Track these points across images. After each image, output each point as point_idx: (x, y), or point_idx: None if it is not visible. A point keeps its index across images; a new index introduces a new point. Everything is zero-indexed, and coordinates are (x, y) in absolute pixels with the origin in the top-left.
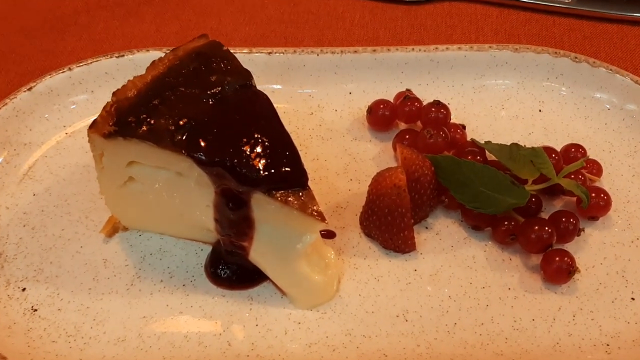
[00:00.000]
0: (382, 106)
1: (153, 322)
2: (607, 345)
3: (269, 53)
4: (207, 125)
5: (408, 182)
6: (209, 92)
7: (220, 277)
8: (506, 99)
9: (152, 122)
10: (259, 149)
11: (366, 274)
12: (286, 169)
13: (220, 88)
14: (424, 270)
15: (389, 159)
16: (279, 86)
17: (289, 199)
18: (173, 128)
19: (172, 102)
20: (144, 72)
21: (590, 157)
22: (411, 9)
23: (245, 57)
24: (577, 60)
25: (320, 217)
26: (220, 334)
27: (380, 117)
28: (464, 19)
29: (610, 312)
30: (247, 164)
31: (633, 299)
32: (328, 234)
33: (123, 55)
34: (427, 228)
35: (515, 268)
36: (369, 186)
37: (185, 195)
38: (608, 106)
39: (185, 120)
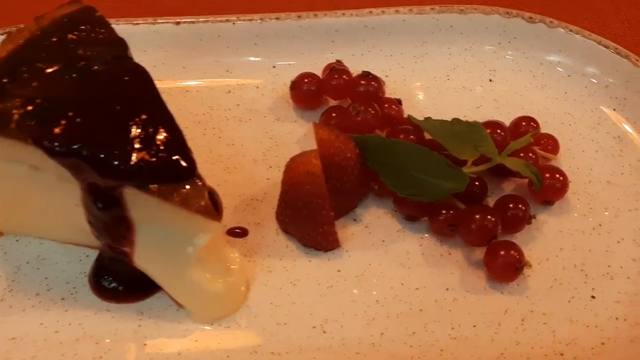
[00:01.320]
0: (306, 80)
1: (23, 345)
2: (562, 355)
3: (177, 23)
4: (66, 106)
5: (327, 168)
6: (72, 67)
7: (105, 288)
8: (452, 68)
9: None
10: (130, 133)
11: (281, 277)
12: (166, 156)
13: (87, 62)
14: (349, 271)
15: (315, 141)
16: (191, 61)
17: (170, 193)
18: (21, 112)
19: (24, 81)
20: None
21: (547, 131)
22: None
23: (149, 29)
24: (532, 20)
25: (208, 213)
26: (100, 358)
27: (305, 92)
28: None
29: (567, 313)
30: (112, 152)
31: (594, 297)
32: (239, 232)
33: None
34: (355, 220)
35: (456, 264)
36: (282, 174)
37: (48, 194)
38: (568, 73)
39: (38, 101)
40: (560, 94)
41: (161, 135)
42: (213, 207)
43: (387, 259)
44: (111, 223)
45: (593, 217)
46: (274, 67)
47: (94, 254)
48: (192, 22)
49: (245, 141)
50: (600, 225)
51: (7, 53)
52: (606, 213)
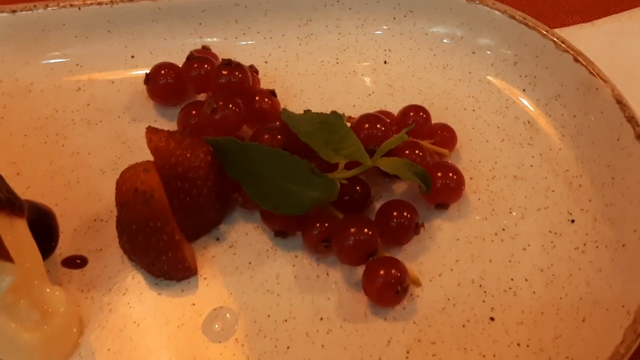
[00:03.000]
0: (163, 72)
1: None
2: None
3: (13, 12)
4: None
5: (169, 181)
6: None
7: None
8: (342, 50)
9: None
10: None
11: (122, 317)
12: None
13: None
14: (204, 304)
15: None
16: (33, 55)
17: None
18: None
19: None
20: None
21: (447, 119)
22: None
23: None
24: None
25: (3, 255)
26: None
27: (163, 86)
28: None
29: (460, 341)
30: None
31: (492, 319)
32: (78, 262)
33: None
34: (218, 240)
35: (333, 287)
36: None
37: None
38: (473, 49)
39: None
40: (464, 75)
41: None
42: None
43: (252, 285)
44: None
45: (495, 220)
46: (132, 57)
47: None
48: (31, 10)
49: (93, 149)
50: (503, 229)
51: None
52: (512, 214)
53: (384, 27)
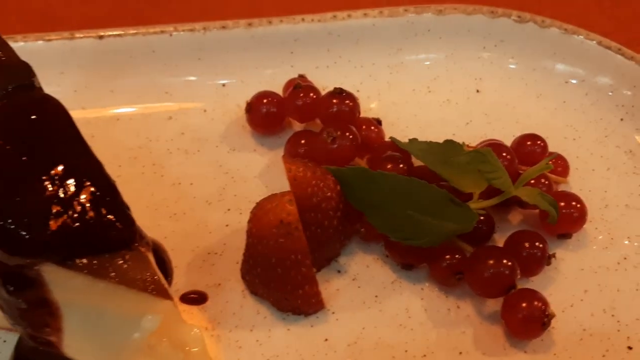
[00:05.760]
0: (265, 101)
1: None
2: None
3: (100, 37)
4: None
5: (303, 213)
6: None
7: None
8: (432, 78)
9: None
10: (42, 192)
11: (254, 354)
12: (94, 219)
13: None
14: (338, 339)
15: (282, 175)
16: (120, 82)
17: (104, 268)
18: None
19: None
20: None
21: (550, 149)
22: None
23: (66, 46)
24: (520, 20)
25: (158, 291)
26: None
27: (265, 115)
28: None
29: None
30: (19, 220)
31: (630, 347)
32: (196, 298)
33: None
34: (339, 272)
35: (467, 320)
36: (247, 223)
37: None
38: (565, 79)
39: None
40: (559, 104)
41: (85, 191)
42: (164, 280)
43: (383, 319)
44: (29, 309)
45: (616, 250)
46: (223, 85)
47: (12, 339)
48: (120, 36)
49: (195, 179)
50: (625, 258)
51: None
52: (630, 243)
53: (474, 56)
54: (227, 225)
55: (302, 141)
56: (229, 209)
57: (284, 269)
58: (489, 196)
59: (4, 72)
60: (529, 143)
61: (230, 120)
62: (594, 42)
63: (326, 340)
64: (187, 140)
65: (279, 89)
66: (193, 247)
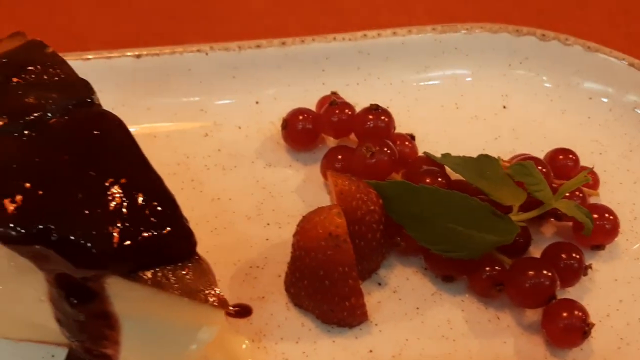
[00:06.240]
0: (301, 117)
1: None
2: None
3: (137, 56)
4: (18, 174)
5: (349, 224)
6: (21, 121)
7: None
8: (460, 94)
9: None
10: (108, 205)
11: None
12: (158, 232)
13: (40, 112)
14: (382, 350)
15: (318, 190)
16: (156, 100)
17: (167, 279)
18: None
19: None
20: None
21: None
22: None
23: (104, 65)
24: (545, 38)
25: (220, 302)
26: None
27: (301, 132)
28: None
29: None
30: (88, 233)
31: None
32: (240, 311)
33: None
34: (379, 285)
35: (507, 330)
36: (293, 236)
37: (5, 287)
38: (589, 95)
39: None
40: (583, 119)
41: (149, 204)
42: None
43: (425, 330)
44: (89, 322)
45: None
46: (256, 103)
47: (61, 353)
48: (156, 54)
49: (233, 194)
50: None
51: None
52: None
53: (500, 73)
54: (267, 239)
55: (339, 156)
56: (268, 224)
57: (331, 281)
58: (525, 209)
59: (65, 89)
60: (561, 157)
61: (265, 136)
62: (617, 59)
63: (371, 351)
64: (224, 157)
65: (310, 106)
66: (235, 260)
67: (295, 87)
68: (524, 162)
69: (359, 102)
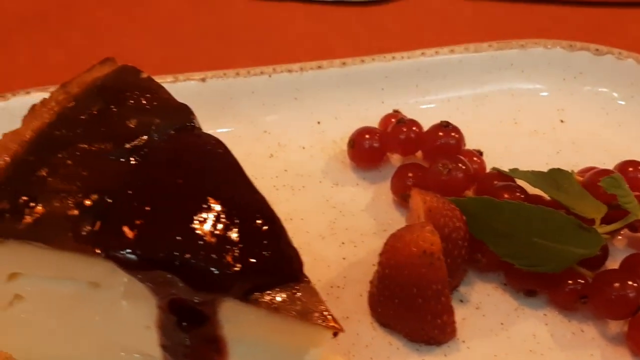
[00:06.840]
0: (368, 136)
1: None
2: None
3: (202, 79)
4: (131, 200)
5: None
6: (127, 146)
7: None
8: (517, 110)
9: (40, 207)
10: (222, 229)
11: None
12: (271, 253)
13: (145, 137)
14: None
15: (388, 208)
16: (221, 123)
17: (279, 301)
18: (76, 213)
19: (69, 170)
20: (19, 125)
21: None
22: (366, 11)
23: (170, 88)
24: (598, 53)
25: (334, 324)
26: None
27: (368, 150)
28: (432, 17)
29: None
30: (208, 256)
31: None
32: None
33: None
34: (462, 301)
35: (593, 342)
36: (380, 255)
37: (107, 316)
38: None
39: (94, 197)
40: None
41: (260, 226)
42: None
43: (513, 346)
44: (196, 346)
45: None
46: (318, 123)
47: None
48: (221, 78)
49: (305, 214)
50: None
51: (34, 133)
52: None
53: (555, 88)
54: (344, 258)
55: (410, 174)
56: (343, 242)
57: (424, 298)
58: (611, 221)
59: (166, 113)
60: (630, 169)
61: (329, 156)
62: None
63: None
64: (291, 177)
65: (370, 124)
66: (314, 281)
67: (355, 106)
68: (614, 175)
69: (418, 119)
